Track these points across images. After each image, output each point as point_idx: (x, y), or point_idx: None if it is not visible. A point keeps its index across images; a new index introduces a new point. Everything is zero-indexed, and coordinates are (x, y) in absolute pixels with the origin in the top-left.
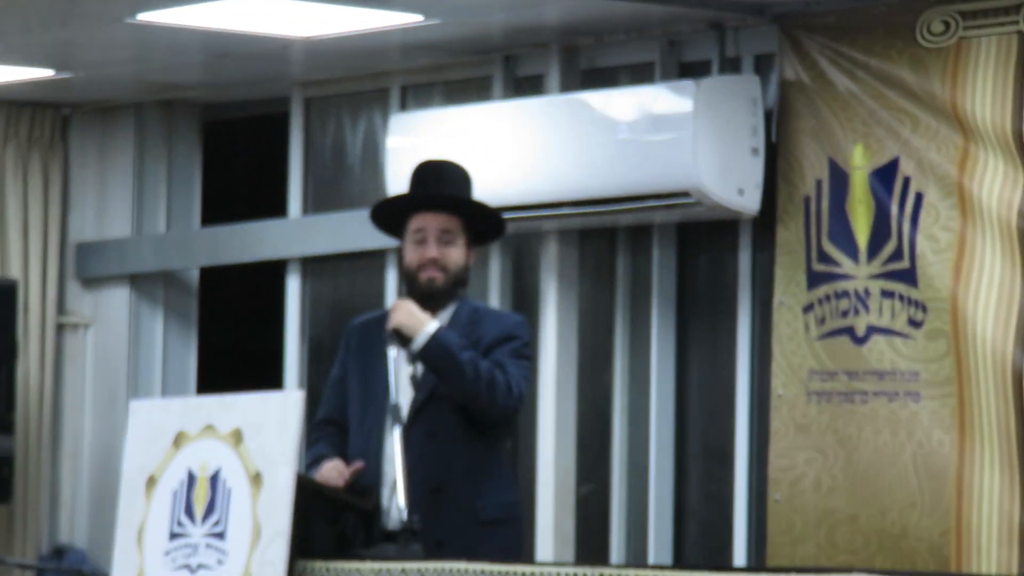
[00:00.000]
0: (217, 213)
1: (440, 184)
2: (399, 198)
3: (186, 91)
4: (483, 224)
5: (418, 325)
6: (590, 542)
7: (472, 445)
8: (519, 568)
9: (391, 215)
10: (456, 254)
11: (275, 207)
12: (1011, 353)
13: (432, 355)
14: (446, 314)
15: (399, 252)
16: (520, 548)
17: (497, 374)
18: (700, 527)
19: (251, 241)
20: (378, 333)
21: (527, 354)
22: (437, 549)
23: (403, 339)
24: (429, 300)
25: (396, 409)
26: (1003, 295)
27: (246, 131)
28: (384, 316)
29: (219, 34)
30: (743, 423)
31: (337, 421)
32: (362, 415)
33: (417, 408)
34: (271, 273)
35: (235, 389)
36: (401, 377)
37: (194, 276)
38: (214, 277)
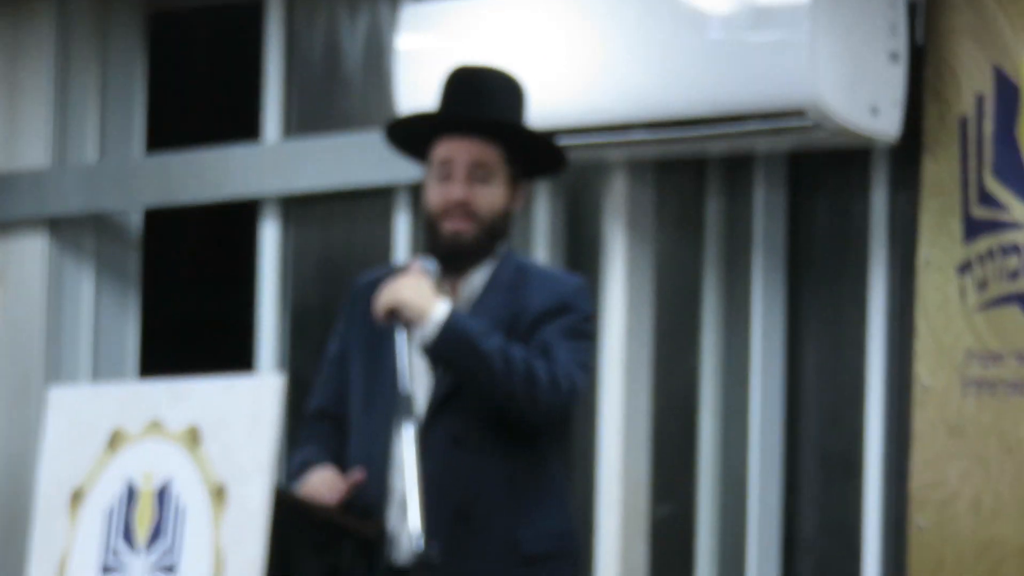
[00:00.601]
0: (166, 137)
1: (477, 99)
2: (419, 118)
3: None
4: (533, 154)
5: (423, 304)
6: None
7: (511, 454)
8: None
9: (412, 137)
10: (492, 195)
11: (245, 128)
12: None
13: (446, 349)
14: (480, 276)
15: (423, 187)
16: None
17: (537, 364)
18: (817, 563)
19: (212, 174)
20: None
21: (587, 331)
22: None
23: (405, 323)
24: (455, 258)
25: (409, 401)
26: None
27: (205, 27)
28: (398, 272)
29: None
30: (876, 424)
31: (334, 414)
32: (366, 408)
33: (438, 404)
34: (239, 217)
35: (190, 372)
36: (416, 361)
37: (135, 221)
38: (162, 222)
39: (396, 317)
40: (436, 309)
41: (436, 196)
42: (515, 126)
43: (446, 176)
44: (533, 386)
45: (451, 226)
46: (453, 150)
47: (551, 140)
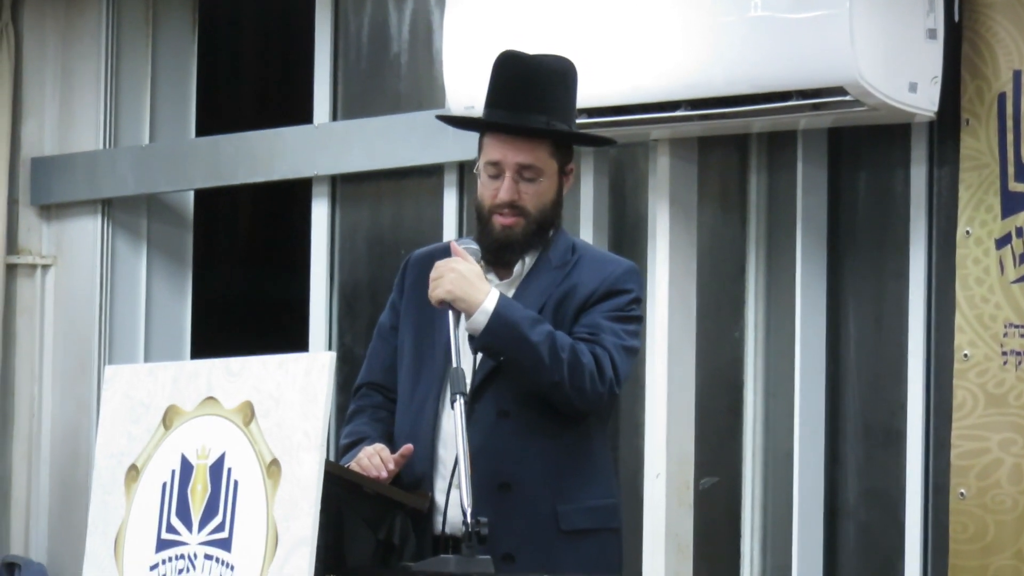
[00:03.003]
0: (217, 120)
1: (526, 96)
2: (466, 121)
3: None
4: (579, 141)
5: (474, 294)
6: (714, 552)
7: (555, 431)
8: None
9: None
10: (542, 192)
11: (295, 111)
12: None
13: (496, 339)
14: (531, 258)
15: (472, 170)
16: (618, 567)
17: (583, 353)
18: (860, 531)
19: (263, 155)
20: None
21: (636, 314)
22: (503, 565)
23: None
24: (505, 251)
25: (459, 375)
26: None
27: (255, 10)
28: (450, 248)
29: None
30: (917, 394)
31: (384, 387)
32: (414, 381)
33: (484, 378)
34: (290, 197)
35: (241, 350)
36: (465, 336)
37: (187, 201)
38: (214, 202)
39: (448, 306)
40: (486, 300)
41: (487, 192)
42: (564, 133)
43: (496, 175)
44: (579, 376)
45: (501, 222)
46: (501, 151)
47: (604, 140)
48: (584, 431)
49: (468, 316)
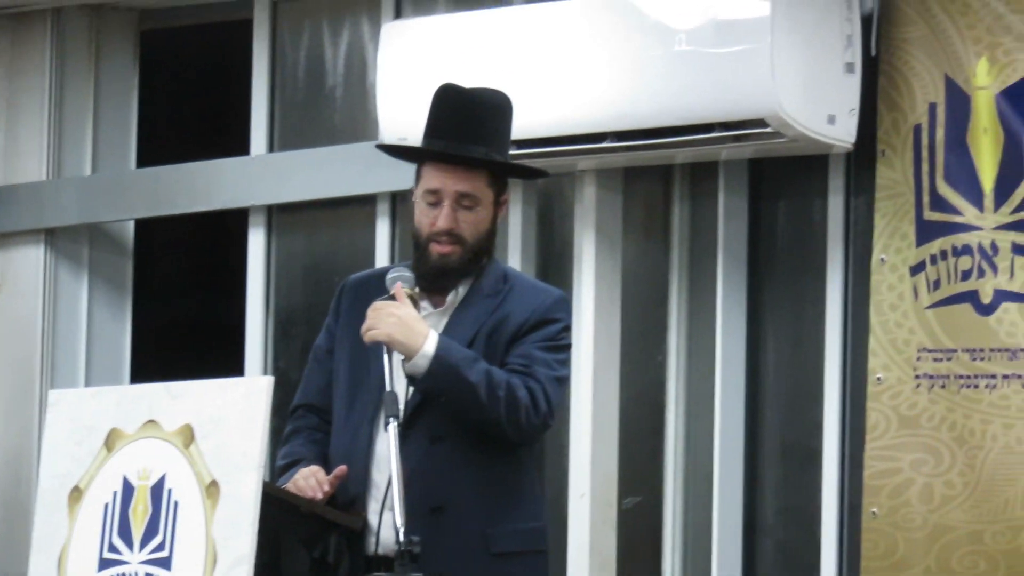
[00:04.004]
0: (158, 150)
1: (466, 127)
2: (406, 150)
3: None
4: (515, 173)
5: (413, 341)
6: (637, 569)
7: (486, 456)
8: None
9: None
10: (478, 220)
11: (233, 142)
12: None
13: (436, 382)
14: (464, 287)
15: (409, 199)
16: None
17: (518, 389)
18: (777, 548)
19: (202, 185)
20: (378, 294)
21: (566, 343)
22: None
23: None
24: (441, 277)
25: (393, 399)
26: None
27: (195, 44)
28: (385, 273)
29: None
30: (833, 415)
31: (319, 408)
32: (349, 404)
33: (418, 403)
34: (228, 226)
35: (180, 374)
36: (397, 361)
37: (128, 230)
38: (154, 231)
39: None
40: (426, 343)
41: (425, 220)
42: (505, 164)
43: (435, 204)
44: (515, 412)
45: (439, 250)
46: (441, 180)
47: (539, 171)
48: (515, 457)
49: (408, 359)
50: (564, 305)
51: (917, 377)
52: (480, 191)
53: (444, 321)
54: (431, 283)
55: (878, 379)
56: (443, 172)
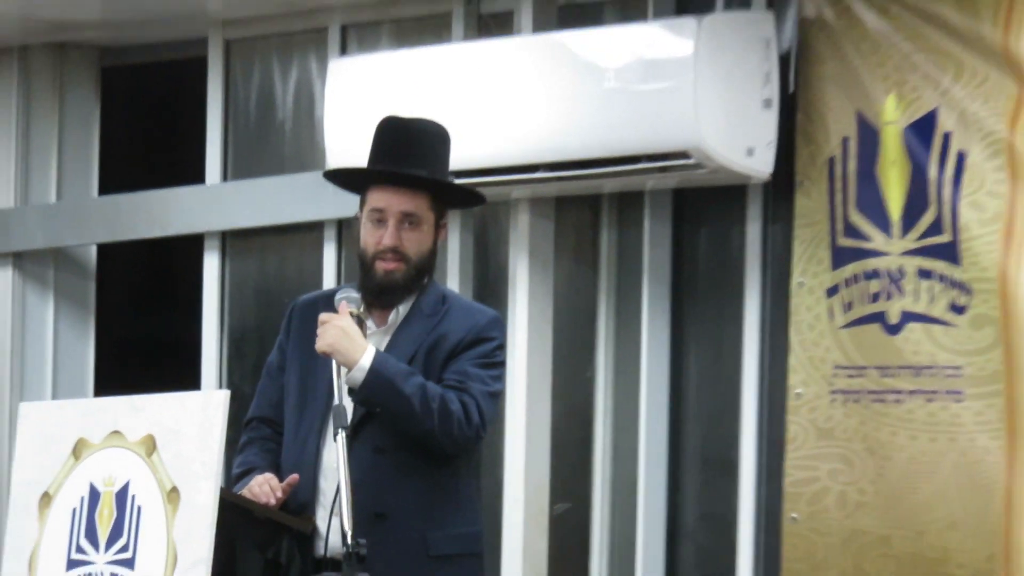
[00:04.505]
0: (118, 179)
1: (408, 153)
2: (354, 172)
3: (81, 31)
4: (458, 197)
5: (353, 352)
6: (567, 571)
7: (426, 465)
8: None
9: (348, 177)
10: (421, 239)
11: (189, 172)
12: None
13: (372, 393)
14: (405, 306)
15: (357, 224)
16: None
17: (451, 401)
18: (698, 552)
19: (159, 212)
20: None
21: (500, 360)
22: None
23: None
24: (386, 294)
25: (341, 411)
26: None
27: (153, 80)
28: (332, 296)
29: None
30: (751, 428)
31: (272, 421)
32: (299, 416)
33: (362, 417)
34: (184, 250)
35: (140, 388)
36: (345, 376)
37: (91, 254)
38: (115, 255)
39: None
40: (363, 357)
41: (370, 239)
42: (445, 183)
43: (379, 222)
44: (448, 423)
45: (384, 267)
46: (386, 200)
47: (477, 192)
48: (453, 466)
49: (348, 370)
50: (498, 325)
51: (833, 392)
52: (422, 211)
53: (387, 339)
54: (377, 298)
55: (797, 394)
56: (388, 193)
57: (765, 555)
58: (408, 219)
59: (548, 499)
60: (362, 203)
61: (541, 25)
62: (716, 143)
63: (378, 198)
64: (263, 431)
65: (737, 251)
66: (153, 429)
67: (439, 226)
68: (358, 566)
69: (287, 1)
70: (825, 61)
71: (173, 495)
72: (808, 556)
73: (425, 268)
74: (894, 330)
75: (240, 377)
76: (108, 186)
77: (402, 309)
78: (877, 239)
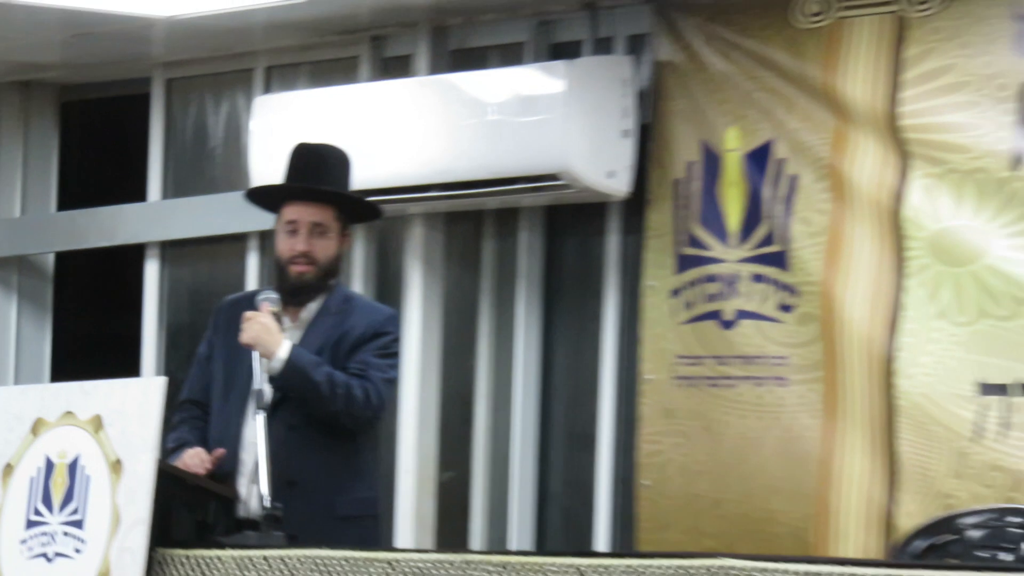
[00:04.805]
0: (74, 197)
1: (316, 172)
2: (273, 188)
3: (44, 71)
4: (358, 211)
5: (272, 345)
6: (451, 528)
7: (332, 439)
8: (380, 555)
9: (266, 197)
10: (328, 246)
11: (134, 191)
12: (880, 338)
13: (288, 380)
14: (315, 305)
15: (274, 235)
16: (377, 543)
17: (355, 387)
18: (562, 513)
19: (109, 225)
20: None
21: (396, 351)
22: (291, 543)
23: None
24: (299, 293)
25: (260, 395)
26: (874, 279)
27: (105, 112)
28: (253, 296)
29: (79, 13)
30: (608, 408)
31: (200, 402)
32: (224, 398)
33: (278, 400)
34: (129, 258)
35: (91, 376)
36: (265, 365)
37: (49, 261)
38: (70, 262)
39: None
40: (281, 349)
41: (285, 247)
42: (346, 196)
43: (292, 232)
44: (352, 406)
45: (297, 270)
46: (298, 213)
47: (374, 205)
48: (354, 441)
49: (267, 360)
50: (395, 321)
51: (676, 378)
52: (329, 222)
53: (300, 333)
54: (291, 298)
55: (647, 379)
56: (299, 207)
57: (620, 516)
58: (317, 229)
59: (435, 468)
60: (278, 218)
61: (435, 67)
62: (582, 167)
63: (291, 211)
64: (193, 411)
65: (598, 258)
66: (100, 410)
67: (344, 235)
68: (274, 525)
69: (219, 46)
70: (675, 98)
71: (117, 466)
72: (656, 516)
73: (332, 271)
74: (728, 325)
75: (175, 366)
76: (65, 203)
77: (313, 307)
78: (716, 248)
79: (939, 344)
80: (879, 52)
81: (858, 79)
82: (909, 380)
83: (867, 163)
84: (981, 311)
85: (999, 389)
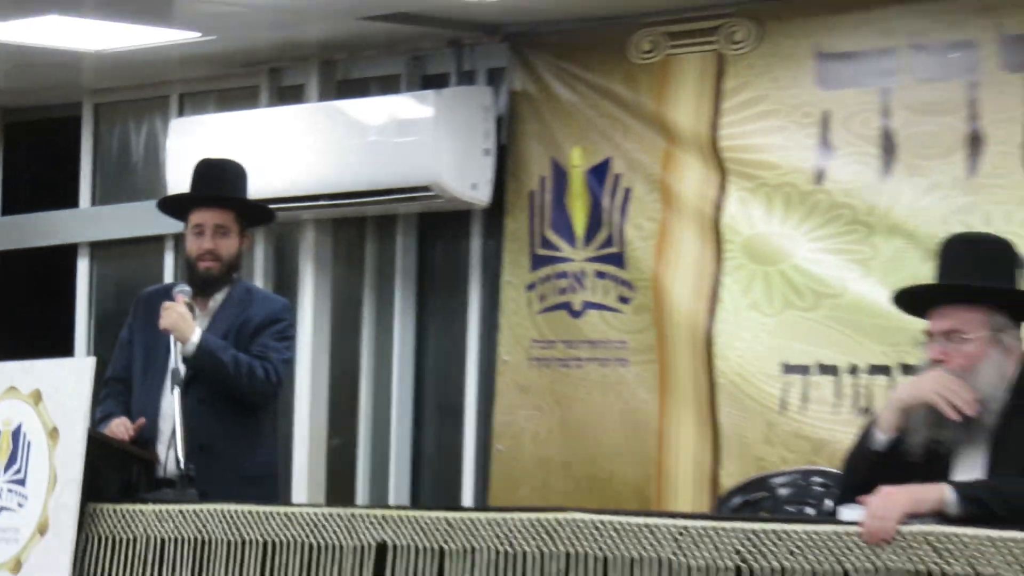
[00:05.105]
0: (17, 203)
1: (218, 182)
2: (182, 196)
3: None
4: (255, 214)
5: (187, 331)
6: (339, 487)
7: (237, 411)
8: (279, 509)
9: (176, 207)
10: (230, 244)
11: (68, 199)
12: (702, 326)
13: (200, 361)
14: (221, 295)
15: (183, 239)
16: (277, 500)
17: (257, 367)
18: (434, 474)
19: (46, 228)
20: (163, 302)
21: (290, 335)
22: (203, 499)
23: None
24: (207, 285)
25: (177, 373)
26: (697, 274)
27: (43, 132)
28: (169, 288)
29: (20, 47)
30: (472, 384)
31: (123, 379)
32: (143, 376)
33: (190, 377)
34: (64, 257)
35: (31, 355)
36: (180, 348)
37: None
38: (12, 261)
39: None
40: (194, 335)
41: (193, 246)
42: (243, 200)
43: (199, 234)
44: (254, 382)
45: (204, 266)
46: (203, 217)
47: (266, 207)
48: (256, 413)
49: (183, 345)
50: (289, 310)
51: (530, 360)
52: (230, 224)
53: (208, 321)
54: (200, 290)
55: (504, 360)
56: (204, 211)
57: (483, 476)
58: (220, 230)
59: (326, 436)
60: (187, 222)
61: (324, 95)
62: (449, 180)
63: (197, 216)
64: (117, 387)
65: (464, 258)
66: (40, 385)
67: (243, 236)
68: (188, 484)
69: (139, 75)
70: (528, 122)
71: (54, 433)
72: (510, 476)
73: (234, 267)
74: (577, 315)
75: (104, 349)
76: (8, 208)
77: (219, 298)
78: (565, 250)
79: (751, 331)
80: (702, 84)
81: (684, 107)
82: (726, 361)
83: (692, 178)
84: (786, 303)
85: (801, 369)
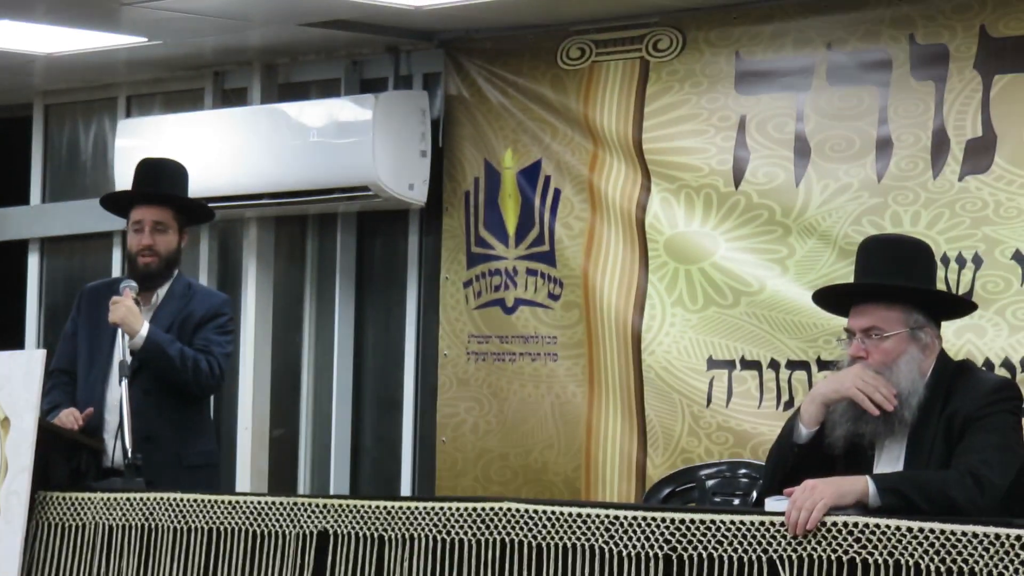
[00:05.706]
0: None
1: (157, 181)
2: (122, 193)
3: None
4: (193, 212)
5: (135, 325)
6: (281, 476)
7: (179, 402)
8: (224, 497)
9: (118, 204)
10: (169, 241)
11: (19, 196)
12: (630, 320)
13: (148, 354)
14: (162, 290)
15: (126, 235)
16: (218, 488)
17: (201, 360)
18: (373, 464)
19: None
20: (106, 296)
21: (231, 329)
22: (148, 487)
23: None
24: (147, 280)
25: (124, 365)
26: (624, 272)
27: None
28: (112, 283)
29: None
30: (410, 378)
31: (68, 371)
32: (88, 367)
33: (135, 369)
34: (15, 252)
35: None
36: (126, 340)
37: None
38: None
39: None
40: (142, 329)
41: (133, 242)
42: (182, 197)
43: (139, 230)
44: (199, 375)
45: (143, 261)
46: (143, 213)
47: (204, 204)
48: (198, 404)
49: (131, 338)
50: (229, 304)
51: (468, 353)
52: (169, 221)
53: (151, 314)
54: (142, 285)
55: (444, 354)
56: (143, 208)
57: (421, 467)
58: (159, 226)
59: (268, 426)
60: (129, 217)
61: (266, 98)
62: (388, 181)
63: (137, 213)
64: (63, 379)
65: (402, 256)
66: None
67: (182, 233)
68: (134, 473)
69: (88, 79)
70: (462, 125)
71: (5, 423)
72: (452, 467)
73: (173, 262)
74: (510, 311)
75: (54, 341)
76: None
77: (161, 292)
78: (499, 248)
79: (676, 327)
80: (627, 90)
81: (610, 111)
82: (652, 356)
83: (618, 179)
84: (709, 300)
85: (725, 364)
